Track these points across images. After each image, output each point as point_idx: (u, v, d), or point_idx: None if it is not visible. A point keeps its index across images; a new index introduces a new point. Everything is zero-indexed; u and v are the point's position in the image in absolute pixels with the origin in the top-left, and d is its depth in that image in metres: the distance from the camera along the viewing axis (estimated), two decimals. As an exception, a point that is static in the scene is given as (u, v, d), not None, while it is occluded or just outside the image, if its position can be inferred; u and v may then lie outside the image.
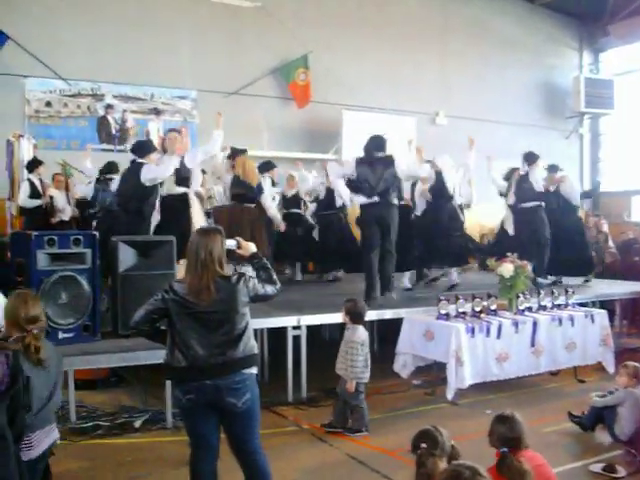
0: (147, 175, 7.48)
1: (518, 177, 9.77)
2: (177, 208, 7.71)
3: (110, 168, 9.74)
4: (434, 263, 9.81)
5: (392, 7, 14.82)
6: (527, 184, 9.64)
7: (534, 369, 7.25)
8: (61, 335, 5.74)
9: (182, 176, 7.76)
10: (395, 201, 8.08)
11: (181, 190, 7.78)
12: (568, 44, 17.82)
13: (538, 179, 9.65)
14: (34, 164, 9.95)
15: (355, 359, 5.91)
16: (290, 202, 10.88)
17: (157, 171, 7.55)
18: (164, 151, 8.02)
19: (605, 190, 17.59)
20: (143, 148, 7.97)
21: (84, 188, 10.08)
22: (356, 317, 6.06)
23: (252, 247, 4.09)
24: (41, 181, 9.97)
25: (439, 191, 9.40)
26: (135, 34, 12.31)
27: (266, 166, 10.02)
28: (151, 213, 7.71)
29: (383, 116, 14.22)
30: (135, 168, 7.65)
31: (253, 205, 8.53)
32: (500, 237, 10.40)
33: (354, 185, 8.10)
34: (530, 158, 9.81)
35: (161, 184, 7.72)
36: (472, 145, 9.55)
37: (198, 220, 7.55)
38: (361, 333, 6.02)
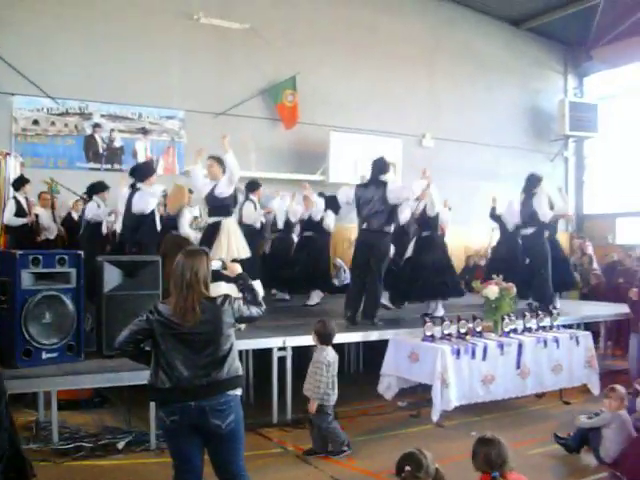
0: (137, 205, 7.55)
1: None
2: (209, 237, 7.59)
3: (95, 188, 9.65)
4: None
5: (380, 30, 14.96)
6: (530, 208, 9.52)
7: (520, 391, 7.26)
8: (45, 355, 5.69)
9: (213, 205, 7.64)
10: (384, 228, 8.06)
11: (213, 220, 7.62)
12: (553, 68, 18.04)
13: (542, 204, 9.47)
14: (20, 182, 9.91)
15: (320, 379, 5.88)
16: (308, 224, 10.72)
17: (141, 203, 7.62)
18: None
19: (589, 212, 17.77)
20: (141, 171, 7.96)
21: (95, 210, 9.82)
22: (324, 338, 6.06)
23: (237, 268, 4.14)
24: (27, 199, 9.93)
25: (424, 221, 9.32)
26: (124, 54, 12.34)
27: (251, 186, 9.94)
28: (151, 244, 7.70)
29: (370, 137, 14.31)
30: (131, 194, 7.75)
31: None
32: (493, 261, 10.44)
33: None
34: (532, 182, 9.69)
35: None
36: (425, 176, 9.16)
37: (235, 247, 7.43)
38: (328, 354, 6.01)
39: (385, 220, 8.07)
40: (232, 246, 7.34)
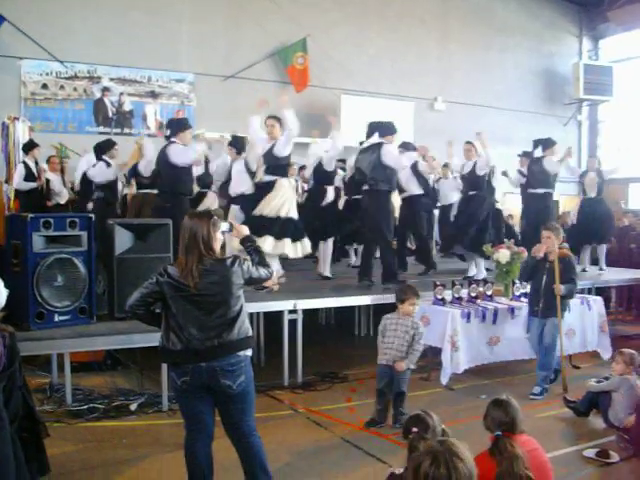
0: (173, 157, 7.61)
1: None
2: (262, 195, 7.70)
3: (102, 147, 9.60)
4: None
5: (391, -9, 14.75)
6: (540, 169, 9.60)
7: (527, 354, 7.26)
8: (57, 318, 5.72)
9: (270, 164, 7.66)
10: (379, 187, 7.95)
11: (269, 178, 7.68)
12: (568, 30, 17.76)
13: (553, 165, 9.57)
14: (29, 146, 9.90)
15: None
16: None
17: (181, 155, 7.64)
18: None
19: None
20: (177, 125, 8.00)
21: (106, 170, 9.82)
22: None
23: (245, 230, 4.13)
24: (37, 164, 9.93)
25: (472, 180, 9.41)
26: (133, 17, 12.22)
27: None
28: (185, 195, 7.74)
29: (381, 101, 14.20)
30: (165, 147, 7.78)
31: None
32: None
33: None
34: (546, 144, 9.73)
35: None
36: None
37: (286, 207, 7.53)
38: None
39: (383, 180, 8.00)
40: (285, 206, 7.52)
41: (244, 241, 4.11)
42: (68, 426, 5.60)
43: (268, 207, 7.53)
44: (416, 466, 2.31)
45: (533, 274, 6.77)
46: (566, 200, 15.53)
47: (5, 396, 2.75)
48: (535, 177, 9.63)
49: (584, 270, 10.09)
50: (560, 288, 6.47)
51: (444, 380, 6.72)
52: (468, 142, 9.37)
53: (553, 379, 6.86)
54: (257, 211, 7.61)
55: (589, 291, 8.90)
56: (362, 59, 14.29)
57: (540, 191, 9.56)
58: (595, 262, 10.48)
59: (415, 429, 3.19)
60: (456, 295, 7.21)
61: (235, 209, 8.34)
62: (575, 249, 10.24)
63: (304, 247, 7.85)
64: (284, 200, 7.62)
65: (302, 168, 10.60)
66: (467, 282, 7.44)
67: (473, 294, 7.30)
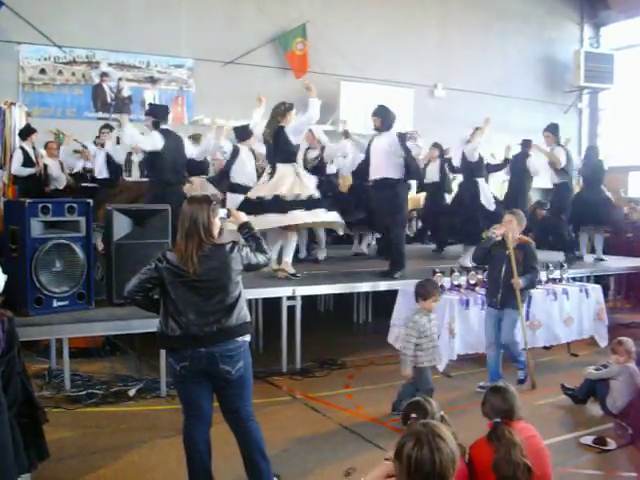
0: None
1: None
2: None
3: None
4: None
5: (392, -24, 14.65)
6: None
7: (530, 343, 7.26)
8: (55, 303, 5.71)
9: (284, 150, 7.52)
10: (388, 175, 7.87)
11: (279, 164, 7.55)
12: (569, 17, 17.65)
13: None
14: (27, 132, 9.85)
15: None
16: None
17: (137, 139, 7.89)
18: None
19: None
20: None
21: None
22: None
23: (242, 217, 4.12)
24: (34, 149, 9.90)
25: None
26: (132, 2, 12.15)
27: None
28: (159, 181, 7.71)
29: (381, 87, 14.12)
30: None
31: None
32: None
33: None
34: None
35: None
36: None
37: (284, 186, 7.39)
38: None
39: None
40: (282, 185, 7.31)
41: (241, 227, 4.11)
42: (67, 412, 5.62)
43: (263, 189, 7.38)
44: (399, 448, 2.33)
45: (489, 259, 6.38)
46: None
47: (4, 381, 2.74)
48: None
49: (580, 258, 10.12)
50: (519, 282, 6.10)
51: (441, 367, 6.72)
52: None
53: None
54: (252, 194, 7.55)
55: (587, 279, 8.91)
56: (361, 45, 14.20)
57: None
58: (592, 250, 10.47)
59: (414, 415, 3.20)
60: (455, 282, 7.21)
61: (234, 197, 8.28)
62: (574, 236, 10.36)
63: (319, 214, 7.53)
64: (281, 180, 7.38)
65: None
66: (465, 269, 7.43)
67: (472, 281, 7.30)
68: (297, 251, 9.45)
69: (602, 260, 10.07)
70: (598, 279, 9.15)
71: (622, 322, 9.46)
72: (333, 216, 7.58)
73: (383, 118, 7.88)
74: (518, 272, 6.16)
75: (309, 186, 7.47)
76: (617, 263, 10.14)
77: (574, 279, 8.38)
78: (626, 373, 5.69)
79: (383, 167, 7.82)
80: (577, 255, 9.94)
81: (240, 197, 8.08)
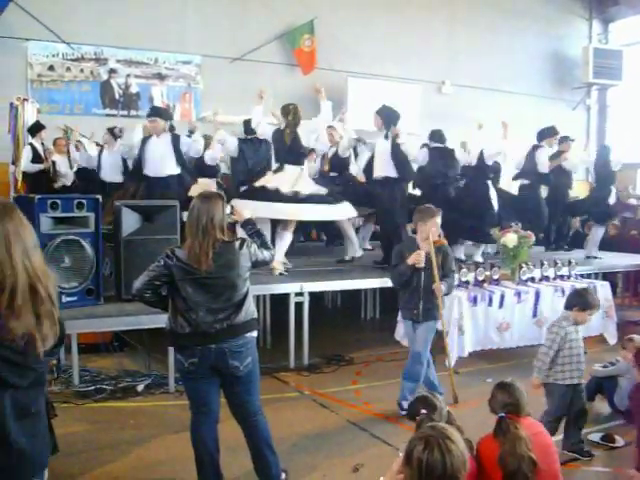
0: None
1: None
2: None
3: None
4: None
5: (400, -27, 14.60)
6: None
7: (536, 339, 7.25)
8: (64, 299, 5.73)
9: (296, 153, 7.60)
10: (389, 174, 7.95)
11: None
12: (577, 13, 17.55)
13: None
14: (36, 128, 9.90)
15: None
16: None
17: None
18: None
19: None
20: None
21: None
22: None
23: (246, 213, 4.14)
24: (43, 145, 9.94)
25: None
26: (139, -3, 12.15)
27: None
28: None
29: (388, 84, 14.10)
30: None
31: None
32: None
33: None
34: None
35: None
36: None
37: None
38: None
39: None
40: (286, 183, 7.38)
41: (245, 224, 4.12)
42: (75, 407, 5.65)
43: (270, 182, 7.45)
44: (409, 452, 2.32)
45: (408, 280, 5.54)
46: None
47: None
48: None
49: (595, 257, 10.00)
50: (441, 288, 5.46)
51: (450, 363, 6.72)
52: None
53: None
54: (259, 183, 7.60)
55: (596, 276, 8.89)
56: (369, 41, 14.17)
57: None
58: (602, 247, 10.40)
59: (424, 410, 3.20)
60: (463, 279, 7.21)
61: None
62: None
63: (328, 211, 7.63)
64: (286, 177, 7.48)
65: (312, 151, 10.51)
66: (474, 266, 7.42)
67: (480, 278, 7.30)
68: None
69: (594, 257, 9.94)
70: (606, 276, 9.12)
71: (631, 319, 9.43)
72: (339, 211, 7.61)
73: (385, 118, 7.89)
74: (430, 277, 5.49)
75: (311, 185, 7.57)
76: (624, 260, 10.10)
77: (582, 276, 8.36)
78: (634, 371, 5.66)
79: (384, 166, 7.86)
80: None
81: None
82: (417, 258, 5.36)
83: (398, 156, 7.85)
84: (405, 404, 5.18)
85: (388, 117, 7.89)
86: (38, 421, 2.41)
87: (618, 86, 17.19)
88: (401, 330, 7.25)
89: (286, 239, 7.54)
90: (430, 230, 5.37)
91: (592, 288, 6.63)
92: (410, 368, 5.64)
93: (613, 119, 18.02)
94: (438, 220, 5.50)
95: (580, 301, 4.96)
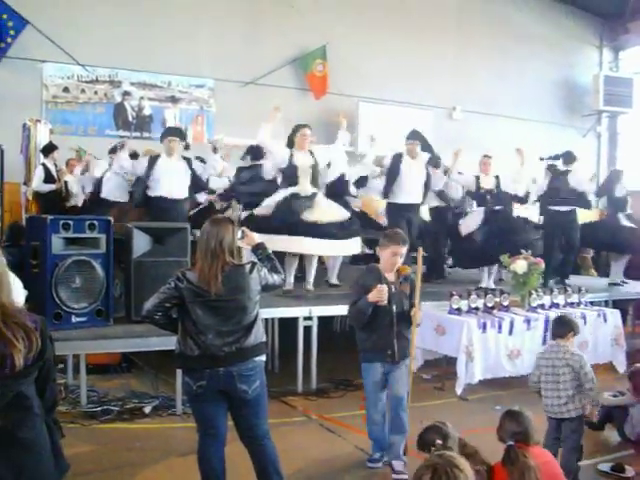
0: None
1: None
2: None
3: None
4: None
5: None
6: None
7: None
8: (74, 319, 5.77)
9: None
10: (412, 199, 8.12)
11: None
12: (588, 41, 17.65)
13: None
14: (49, 149, 10.01)
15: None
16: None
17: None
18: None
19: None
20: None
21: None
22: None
23: (256, 237, 4.16)
24: (56, 166, 10.03)
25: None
26: (154, 21, 12.31)
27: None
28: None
29: (399, 109, 14.20)
30: None
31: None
32: None
33: None
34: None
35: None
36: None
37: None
38: None
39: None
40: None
41: (256, 248, 4.14)
42: (82, 427, 5.64)
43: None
44: None
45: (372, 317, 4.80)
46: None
47: (39, 385, 2.66)
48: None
49: (618, 283, 10.07)
50: (420, 313, 4.88)
51: (458, 390, 6.70)
52: (487, 156, 9.33)
53: None
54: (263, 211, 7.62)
55: (606, 303, 8.84)
56: (380, 67, 14.28)
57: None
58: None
59: (439, 441, 3.18)
60: (472, 305, 7.19)
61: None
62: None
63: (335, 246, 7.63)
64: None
65: None
66: (483, 292, 7.41)
67: (489, 304, 7.27)
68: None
69: (618, 284, 9.98)
70: (617, 304, 9.07)
71: (641, 347, 9.35)
72: (349, 247, 7.66)
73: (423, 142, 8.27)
74: (403, 309, 4.85)
75: (330, 212, 7.56)
76: (636, 288, 10.05)
77: (592, 303, 8.32)
78: (645, 400, 5.63)
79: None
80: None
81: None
82: (379, 295, 4.61)
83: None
84: (399, 465, 4.78)
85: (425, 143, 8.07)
86: (25, 449, 2.29)
87: (628, 114, 17.20)
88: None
89: (314, 261, 7.71)
90: (392, 258, 4.75)
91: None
92: (401, 419, 4.85)
93: (623, 146, 18.01)
94: (402, 250, 4.76)
95: (573, 326, 4.91)
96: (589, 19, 17.49)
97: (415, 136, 8.56)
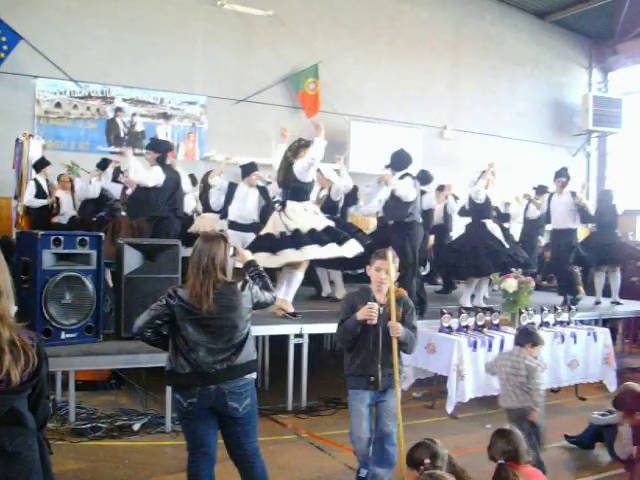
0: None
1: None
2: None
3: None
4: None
5: (404, 19, 14.90)
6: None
7: (536, 385, 7.22)
8: (64, 335, 5.74)
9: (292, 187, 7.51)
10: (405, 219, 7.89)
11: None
12: (578, 62, 17.85)
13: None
14: (41, 164, 10.00)
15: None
16: None
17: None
18: None
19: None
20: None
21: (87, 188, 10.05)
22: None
23: (248, 255, 4.15)
24: (47, 181, 10.02)
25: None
26: (147, 38, 12.36)
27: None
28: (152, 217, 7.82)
29: (391, 128, 14.28)
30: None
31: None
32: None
33: None
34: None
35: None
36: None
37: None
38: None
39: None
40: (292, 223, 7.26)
41: (247, 266, 4.14)
42: (70, 444, 5.60)
43: (274, 226, 7.33)
44: None
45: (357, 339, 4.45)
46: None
47: (31, 402, 2.65)
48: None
49: (597, 302, 10.12)
50: (398, 328, 4.29)
51: (449, 409, 6.69)
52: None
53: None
54: (263, 230, 7.54)
55: (596, 322, 8.88)
56: (372, 86, 14.39)
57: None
58: (605, 293, 10.42)
59: (428, 460, 3.18)
60: (463, 323, 7.20)
61: (231, 234, 8.26)
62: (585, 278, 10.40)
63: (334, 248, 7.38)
64: (291, 216, 7.33)
65: None
66: (474, 311, 7.42)
67: (480, 323, 7.29)
68: (320, 289, 9.53)
69: (618, 303, 10.03)
70: (606, 322, 9.11)
71: (631, 366, 9.39)
72: (349, 248, 7.50)
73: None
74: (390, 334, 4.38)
75: (320, 219, 7.50)
76: (625, 307, 10.11)
77: (582, 322, 8.35)
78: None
79: None
80: (577, 298, 9.80)
81: (237, 234, 8.17)
82: (368, 313, 4.29)
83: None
84: None
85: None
86: (15, 463, 2.28)
87: (617, 133, 17.38)
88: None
89: (297, 279, 7.39)
90: (376, 274, 4.42)
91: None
92: (380, 452, 4.42)
93: (612, 166, 18.17)
94: (386, 265, 4.39)
95: (533, 338, 5.26)
96: (579, 40, 17.71)
97: None
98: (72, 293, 5.79)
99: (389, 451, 4.39)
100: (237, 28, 13.30)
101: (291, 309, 7.32)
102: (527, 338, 5.27)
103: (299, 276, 7.41)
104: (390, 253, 4.40)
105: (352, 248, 7.39)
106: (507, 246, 9.23)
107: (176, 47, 12.60)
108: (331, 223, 7.58)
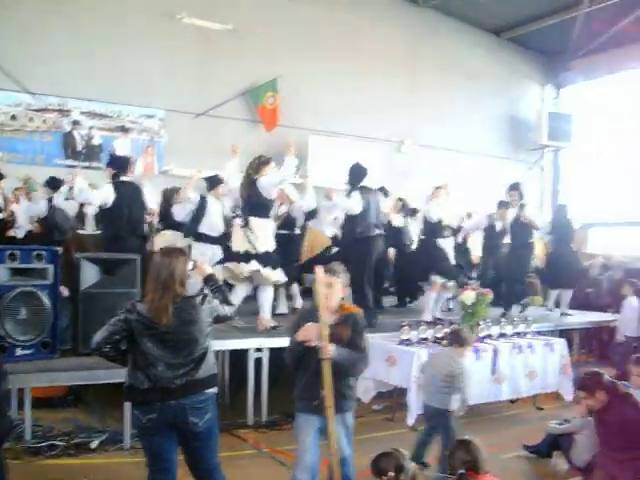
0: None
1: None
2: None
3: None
4: None
5: (362, 35, 15.02)
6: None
7: (495, 396, 7.31)
8: (19, 352, 5.64)
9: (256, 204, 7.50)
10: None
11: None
12: (532, 77, 18.21)
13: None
14: (-3, 178, 9.81)
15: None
16: None
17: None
18: None
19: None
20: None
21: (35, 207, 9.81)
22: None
23: (207, 269, 4.14)
24: (3, 195, 9.83)
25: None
26: (105, 51, 12.25)
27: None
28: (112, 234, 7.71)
29: (349, 142, 14.38)
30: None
31: None
32: None
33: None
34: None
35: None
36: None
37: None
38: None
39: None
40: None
41: (207, 280, 4.11)
42: (26, 464, 5.48)
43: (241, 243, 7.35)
44: None
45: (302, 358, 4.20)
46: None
47: None
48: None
49: (550, 310, 10.50)
50: (329, 349, 3.93)
51: (410, 421, 6.71)
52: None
53: None
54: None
55: (552, 333, 9.03)
56: (331, 100, 14.46)
57: None
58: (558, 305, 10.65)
59: (391, 473, 3.20)
60: (421, 335, 7.26)
61: (200, 246, 8.23)
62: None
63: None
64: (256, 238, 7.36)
65: None
66: (433, 323, 7.49)
67: (439, 335, 7.35)
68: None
69: (568, 315, 10.26)
70: (563, 333, 9.28)
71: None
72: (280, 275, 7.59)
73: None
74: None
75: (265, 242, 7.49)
76: (580, 318, 10.32)
77: (539, 333, 8.47)
78: (590, 427, 5.72)
79: None
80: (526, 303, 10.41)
81: (206, 246, 8.12)
82: (303, 335, 4.03)
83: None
84: None
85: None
86: None
87: (569, 148, 17.77)
88: (362, 387, 7.17)
89: (268, 295, 7.56)
90: (323, 294, 4.07)
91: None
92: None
93: (564, 180, 18.53)
94: (329, 279, 4.15)
95: (460, 340, 5.73)
96: (533, 56, 18.06)
97: None
98: (28, 308, 5.70)
99: (347, 474, 4.21)
100: (196, 42, 13.28)
101: (272, 323, 7.47)
102: (456, 339, 5.76)
103: (269, 290, 7.58)
104: (337, 268, 4.23)
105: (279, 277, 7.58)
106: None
107: (135, 60, 12.51)
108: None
